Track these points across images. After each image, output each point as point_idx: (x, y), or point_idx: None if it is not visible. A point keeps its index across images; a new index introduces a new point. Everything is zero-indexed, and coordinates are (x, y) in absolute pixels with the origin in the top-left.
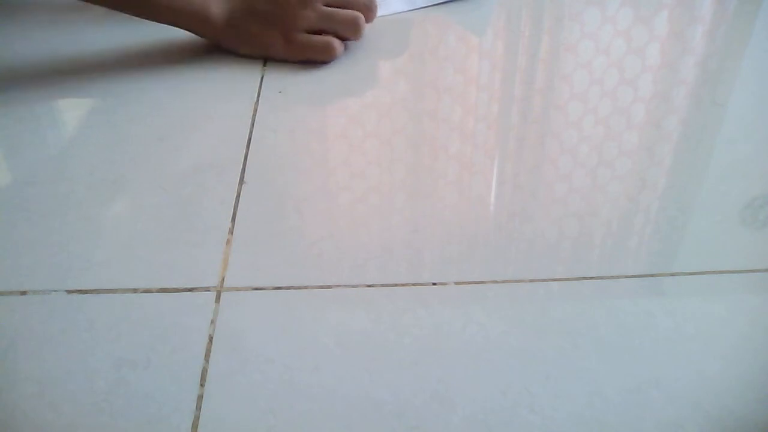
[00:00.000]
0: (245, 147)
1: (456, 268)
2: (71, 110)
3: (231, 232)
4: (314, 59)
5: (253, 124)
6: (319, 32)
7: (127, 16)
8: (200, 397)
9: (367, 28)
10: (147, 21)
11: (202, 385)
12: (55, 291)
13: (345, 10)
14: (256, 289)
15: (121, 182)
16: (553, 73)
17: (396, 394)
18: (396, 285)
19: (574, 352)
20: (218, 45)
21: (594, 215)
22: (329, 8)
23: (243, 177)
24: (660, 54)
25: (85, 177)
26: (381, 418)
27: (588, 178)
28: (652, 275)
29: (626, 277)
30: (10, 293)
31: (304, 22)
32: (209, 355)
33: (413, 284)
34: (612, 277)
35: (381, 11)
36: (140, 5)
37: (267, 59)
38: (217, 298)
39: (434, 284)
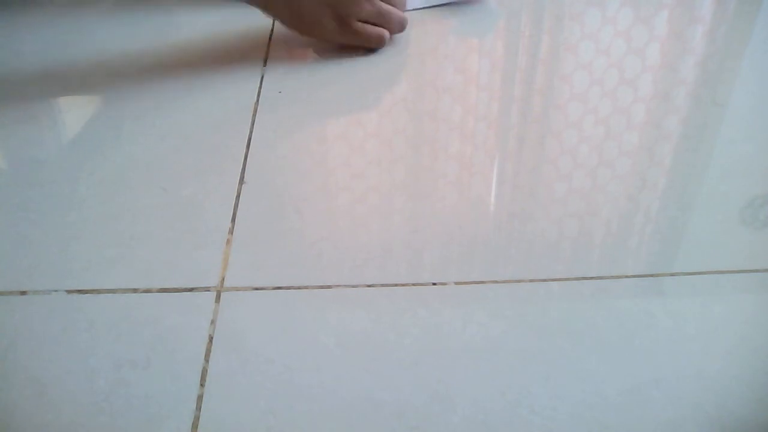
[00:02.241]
0: (245, 147)
1: (456, 268)
2: (71, 110)
3: (231, 232)
4: (364, 46)
5: (253, 124)
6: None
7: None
8: (200, 397)
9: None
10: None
11: (202, 385)
12: (55, 291)
13: (396, 10)
14: (256, 289)
15: (121, 182)
16: (553, 73)
17: (396, 394)
18: (396, 285)
19: (574, 352)
20: (263, 9)
21: (594, 215)
22: (386, 6)
23: (243, 177)
24: (660, 54)
25: (85, 177)
26: (381, 418)
27: (588, 178)
28: (652, 275)
29: (626, 277)
30: (10, 293)
31: (362, 12)
32: (209, 355)
33: (413, 284)
34: (612, 277)
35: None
36: None
37: (312, 37)
38: (217, 298)
39: (434, 284)
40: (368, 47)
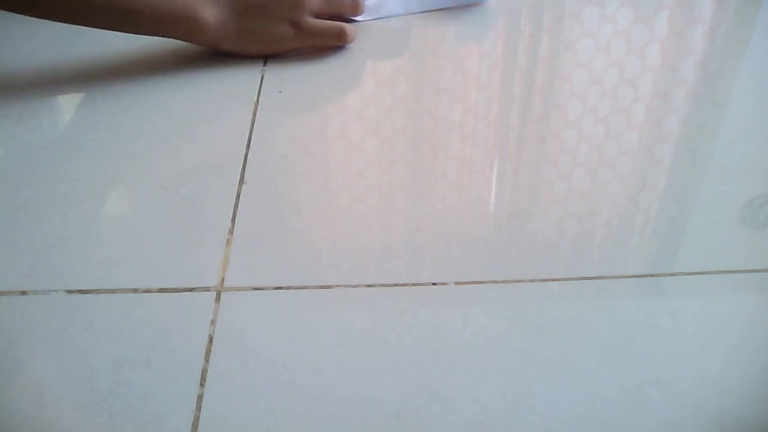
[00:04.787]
0: (245, 147)
1: (456, 268)
2: (71, 110)
3: (231, 232)
4: (328, 45)
5: (253, 124)
6: (324, 15)
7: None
8: (200, 397)
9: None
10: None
11: (202, 385)
12: (55, 291)
13: None
14: (256, 289)
15: (121, 182)
16: (553, 73)
17: (396, 394)
18: (396, 285)
19: (574, 352)
20: (217, 50)
21: (594, 215)
22: None
23: (243, 177)
24: (660, 54)
25: (85, 177)
26: (381, 418)
27: (588, 178)
28: (652, 275)
29: (626, 277)
30: (10, 293)
31: (309, 5)
32: (209, 355)
33: (413, 284)
34: (612, 277)
35: (377, 14)
36: (120, 18)
37: (276, 55)
38: (217, 298)
39: (434, 284)
40: (333, 44)
